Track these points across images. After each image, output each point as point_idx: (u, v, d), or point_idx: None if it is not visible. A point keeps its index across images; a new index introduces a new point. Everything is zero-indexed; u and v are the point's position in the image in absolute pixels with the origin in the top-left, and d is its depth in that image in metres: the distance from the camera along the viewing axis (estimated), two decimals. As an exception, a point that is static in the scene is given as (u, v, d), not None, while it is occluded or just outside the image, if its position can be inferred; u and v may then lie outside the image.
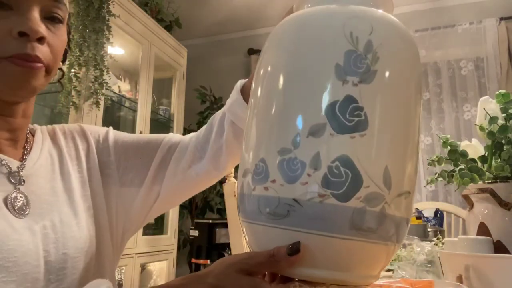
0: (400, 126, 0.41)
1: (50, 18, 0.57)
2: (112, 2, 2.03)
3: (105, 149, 0.71)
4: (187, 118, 3.05)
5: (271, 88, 0.44)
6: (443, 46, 2.86)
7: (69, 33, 0.65)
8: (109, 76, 2.05)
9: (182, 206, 3.12)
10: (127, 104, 2.50)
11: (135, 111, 2.48)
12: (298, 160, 0.39)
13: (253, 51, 3.37)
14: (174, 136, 0.75)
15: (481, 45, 2.78)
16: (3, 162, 0.57)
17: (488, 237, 0.76)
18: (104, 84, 2.00)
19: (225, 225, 2.67)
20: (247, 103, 0.65)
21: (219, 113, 0.72)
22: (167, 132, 3.01)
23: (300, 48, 0.43)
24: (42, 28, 0.54)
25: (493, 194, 0.75)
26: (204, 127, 0.74)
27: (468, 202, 0.83)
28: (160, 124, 2.83)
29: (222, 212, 3.15)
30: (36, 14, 0.54)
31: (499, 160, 0.78)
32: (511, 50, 2.72)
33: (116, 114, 2.53)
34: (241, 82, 0.69)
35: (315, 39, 0.42)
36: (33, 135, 0.66)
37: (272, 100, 0.44)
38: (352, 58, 0.40)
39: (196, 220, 2.92)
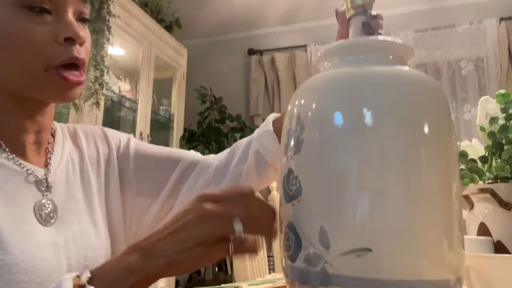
0: (338, 185, 0.39)
1: (81, 20, 0.58)
2: (112, 2, 2.03)
3: (125, 156, 0.71)
4: (187, 118, 3.05)
5: None
6: (443, 46, 2.86)
7: None
8: (109, 76, 2.05)
9: (182, 206, 3.12)
10: (127, 104, 2.51)
11: (135, 111, 2.48)
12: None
13: (253, 52, 3.37)
14: (196, 154, 0.75)
15: (481, 45, 2.79)
16: (29, 172, 0.56)
17: (488, 237, 0.76)
18: (104, 84, 2.00)
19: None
20: (278, 136, 0.65)
21: (244, 140, 0.71)
22: (167, 132, 3.01)
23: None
24: (82, 32, 0.56)
25: (493, 194, 0.75)
26: (226, 150, 0.73)
27: (468, 202, 0.83)
28: (160, 124, 2.84)
29: (222, 212, 3.15)
30: (72, 17, 0.56)
31: (499, 160, 0.78)
32: (511, 50, 2.72)
33: (116, 114, 2.53)
34: (274, 115, 0.69)
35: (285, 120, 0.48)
36: (53, 136, 0.66)
37: None
38: (288, 135, 0.44)
39: (196, 220, 2.91)
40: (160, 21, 2.80)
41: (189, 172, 0.70)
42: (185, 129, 3.03)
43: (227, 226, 0.40)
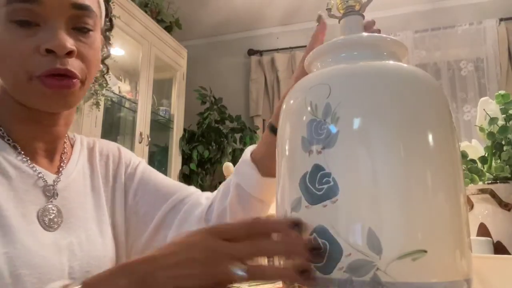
0: (384, 179, 0.36)
1: (79, 29, 0.56)
2: (112, 3, 2.03)
3: (131, 176, 0.72)
4: (187, 118, 3.05)
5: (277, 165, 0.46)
6: (443, 47, 2.86)
7: (110, 28, 0.70)
8: (109, 77, 2.05)
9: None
10: (127, 105, 2.51)
11: (135, 112, 2.48)
12: None
13: (253, 52, 3.37)
14: (196, 191, 0.74)
15: (481, 45, 2.79)
16: (40, 175, 0.58)
17: (488, 238, 0.76)
18: (104, 85, 2.00)
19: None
20: (258, 166, 0.63)
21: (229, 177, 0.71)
22: (167, 133, 3.00)
23: (282, 124, 0.45)
24: (69, 42, 0.53)
25: (493, 195, 0.75)
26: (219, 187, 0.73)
27: (468, 203, 0.83)
28: (160, 124, 2.84)
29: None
30: (62, 28, 0.53)
31: (499, 161, 0.78)
32: (511, 50, 2.72)
33: (116, 115, 2.53)
34: (252, 146, 0.68)
35: (290, 114, 0.44)
36: (72, 146, 0.67)
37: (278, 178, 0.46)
38: (313, 127, 0.39)
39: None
40: (160, 21, 2.80)
41: (182, 205, 0.70)
42: (185, 130, 3.03)
43: (228, 271, 0.36)
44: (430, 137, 0.38)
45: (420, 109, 0.39)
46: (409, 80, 0.40)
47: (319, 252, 0.36)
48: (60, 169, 0.62)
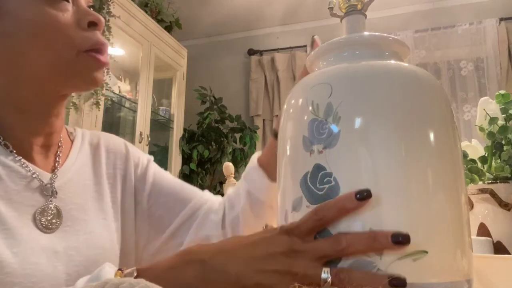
0: (384, 179, 0.36)
1: (90, 7, 0.59)
2: (112, 2, 2.03)
3: (142, 177, 0.69)
4: (187, 118, 3.05)
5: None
6: (443, 47, 2.86)
7: None
8: (109, 77, 2.05)
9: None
10: (127, 104, 2.51)
11: (135, 111, 2.48)
12: None
13: (253, 52, 3.37)
14: (211, 196, 0.73)
15: (481, 45, 2.79)
16: (34, 176, 0.55)
17: (488, 238, 0.76)
18: (104, 84, 2.00)
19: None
20: (264, 172, 0.63)
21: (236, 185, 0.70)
22: (167, 133, 2.99)
23: (284, 123, 0.45)
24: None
25: (493, 194, 0.75)
26: (227, 194, 0.72)
27: (468, 203, 0.83)
28: (160, 124, 2.84)
29: (222, 212, 3.15)
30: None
31: (499, 161, 0.78)
32: (511, 50, 2.72)
33: (116, 115, 2.53)
34: (258, 153, 0.67)
35: (291, 113, 0.44)
36: (71, 141, 0.65)
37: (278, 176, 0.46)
38: (314, 127, 0.39)
39: (196, 221, 2.91)
40: (160, 21, 2.80)
41: (199, 211, 0.69)
42: (185, 129, 3.03)
43: (316, 270, 0.35)
44: (431, 137, 0.38)
45: (422, 109, 0.39)
46: (410, 80, 0.40)
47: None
48: (57, 164, 0.59)
